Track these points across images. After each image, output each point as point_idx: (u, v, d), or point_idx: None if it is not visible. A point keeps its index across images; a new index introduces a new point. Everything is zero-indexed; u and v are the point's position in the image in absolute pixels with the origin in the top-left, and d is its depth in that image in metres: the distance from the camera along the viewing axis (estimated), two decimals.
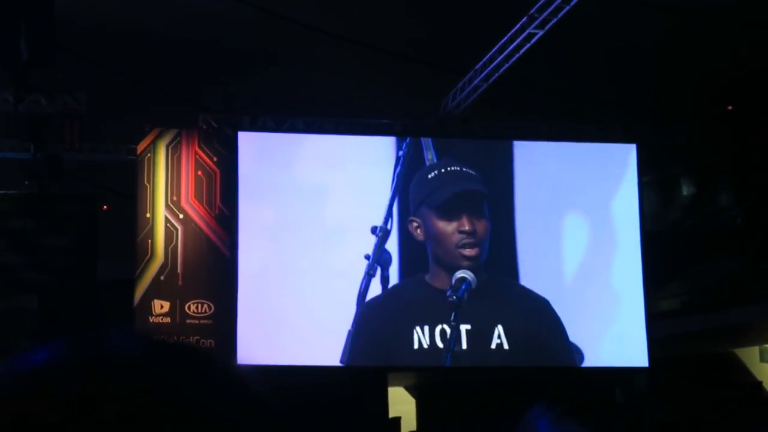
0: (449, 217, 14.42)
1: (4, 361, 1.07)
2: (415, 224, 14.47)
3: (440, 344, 14.52)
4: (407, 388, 18.33)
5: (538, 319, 14.90)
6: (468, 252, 14.37)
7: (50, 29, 11.78)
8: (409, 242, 14.70)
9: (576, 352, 14.98)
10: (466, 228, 14.36)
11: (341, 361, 14.55)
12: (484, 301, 14.65)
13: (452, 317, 14.24)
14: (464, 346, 14.59)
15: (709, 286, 17.61)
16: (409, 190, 14.61)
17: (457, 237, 14.37)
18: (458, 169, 14.56)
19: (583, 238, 15.50)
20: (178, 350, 1.11)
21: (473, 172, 14.66)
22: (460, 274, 14.25)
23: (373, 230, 14.51)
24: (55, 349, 1.06)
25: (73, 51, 13.93)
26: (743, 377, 18.57)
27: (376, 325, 14.59)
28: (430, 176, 14.55)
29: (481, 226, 14.50)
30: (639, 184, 15.79)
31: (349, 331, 14.50)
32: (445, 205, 14.43)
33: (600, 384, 16.03)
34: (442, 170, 14.55)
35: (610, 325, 15.36)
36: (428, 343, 14.58)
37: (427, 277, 14.48)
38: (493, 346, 14.75)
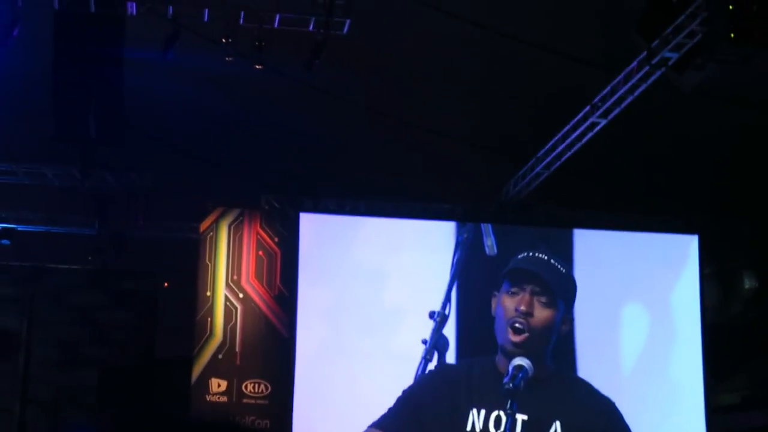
0: (514, 291, 14.33)
1: None
2: (495, 299, 14.42)
3: (493, 430, 14.40)
4: None
5: (599, 420, 14.72)
6: (514, 337, 14.22)
7: (119, 107, 11.98)
8: (471, 329, 14.66)
9: None
10: (522, 308, 14.25)
11: (382, 417, 14.30)
12: (546, 393, 14.51)
13: (509, 405, 14.12)
14: None
15: None
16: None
17: (512, 313, 14.28)
18: (545, 258, 14.46)
19: (643, 329, 15.39)
20: None
21: (562, 269, 14.53)
22: (517, 361, 14.14)
23: (431, 315, 14.47)
24: None
25: (140, 129, 14.12)
26: None
27: (433, 394, 14.48)
28: (520, 256, 14.52)
29: (543, 314, 14.37)
30: (700, 276, 15.69)
31: (399, 397, 14.35)
32: (512, 276, 14.35)
33: None
34: (530, 254, 14.50)
35: (669, 418, 15.19)
36: (481, 427, 14.47)
37: (496, 359, 14.41)
38: None
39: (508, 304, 14.36)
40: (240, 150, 15.59)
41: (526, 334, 14.26)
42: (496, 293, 14.48)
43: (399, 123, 14.86)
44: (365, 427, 14.48)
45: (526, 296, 14.33)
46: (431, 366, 14.37)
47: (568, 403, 14.68)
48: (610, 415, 14.64)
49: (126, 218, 15.60)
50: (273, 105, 14.83)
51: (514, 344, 14.23)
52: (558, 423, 14.61)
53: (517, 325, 14.27)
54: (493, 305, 14.49)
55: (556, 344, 14.61)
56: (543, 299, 14.38)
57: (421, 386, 14.44)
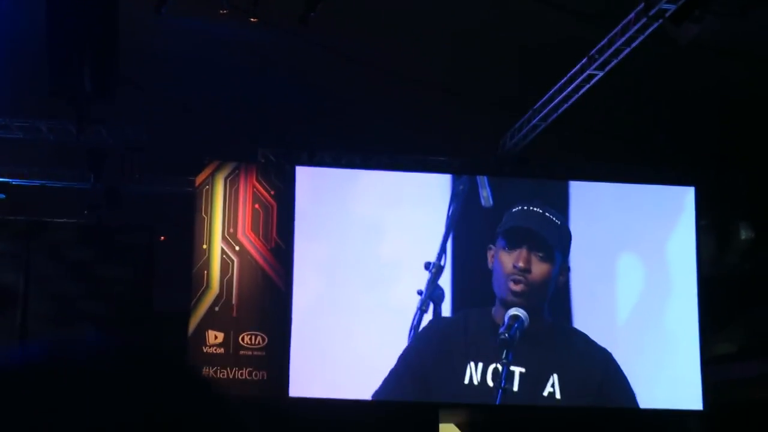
0: (511, 248, 14.45)
1: None
2: (491, 252, 14.53)
3: (491, 383, 14.48)
4: (459, 425, 18.24)
5: (596, 372, 14.81)
6: (514, 287, 14.35)
7: (115, 62, 11.93)
8: (466, 280, 14.72)
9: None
10: (521, 264, 14.37)
11: (384, 382, 14.48)
12: (543, 346, 14.61)
13: (504, 355, 14.20)
14: (516, 388, 14.54)
15: (766, 331, 17.43)
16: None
17: (510, 269, 14.39)
18: (540, 211, 14.57)
19: (638, 280, 15.44)
20: None
21: (557, 221, 14.66)
22: (513, 311, 14.23)
23: (427, 266, 14.54)
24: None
25: (135, 83, 14.07)
26: None
27: (432, 348, 14.58)
28: (515, 210, 14.60)
29: (540, 269, 14.46)
30: (696, 227, 15.72)
31: (399, 358, 14.50)
32: (509, 235, 14.46)
33: (653, 427, 15.89)
34: (525, 207, 14.58)
35: (664, 368, 15.27)
36: (479, 380, 14.55)
37: (492, 310, 14.49)
38: (545, 393, 14.69)
39: (506, 260, 14.42)
40: (236, 104, 15.55)
41: (526, 288, 14.35)
42: (492, 246, 14.53)
43: (396, 77, 14.81)
44: (369, 393, 14.57)
45: (524, 252, 14.40)
46: (427, 317, 14.44)
47: (566, 355, 14.77)
48: (607, 365, 14.74)
49: (121, 172, 15.57)
50: (269, 59, 14.78)
51: (514, 293, 14.31)
52: (555, 376, 14.70)
53: (515, 281, 14.34)
54: (490, 259, 14.54)
55: (553, 296, 14.68)
56: (540, 254, 14.46)
57: (418, 344, 14.52)
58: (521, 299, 14.33)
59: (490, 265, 14.54)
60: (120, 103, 12.86)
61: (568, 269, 14.86)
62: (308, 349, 14.82)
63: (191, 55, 14.67)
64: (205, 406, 1.11)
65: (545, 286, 14.50)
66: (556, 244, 14.56)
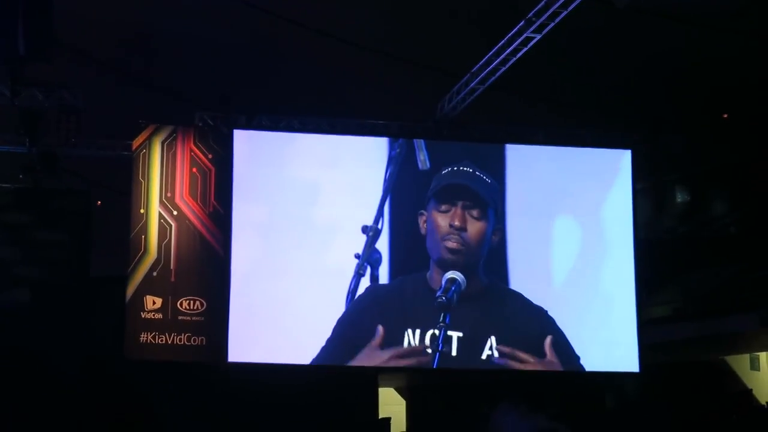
0: (444, 208, 14.45)
1: None
2: (423, 217, 14.53)
3: (429, 348, 14.51)
4: (398, 390, 18.32)
5: (533, 328, 14.88)
6: (450, 244, 14.36)
7: (48, 24, 11.78)
8: (403, 243, 14.72)
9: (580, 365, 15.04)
10: (456, 223, 14.38)
11: (322, 350, 14.51)
12: (479, 309, 14.64)
13: (441, 318, 14.22)
14: (454, 353, 14.59)
15: (701, 293, 17.62)
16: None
17: (445, 229, 14.39)
18: (470, 170, 14.57)
19: (575, 242, 15.52)
20: None
21: (488, 180, 14.67)
22: (450, 274, 14.25)
23: (364, 229, 14.52)
24: None
25: (70, 46, 13.91)
26: (734, 385, 18.58)
27: (370, 316, 14.58)
28: (444, 171, 14.59)
29: (475, 228, 14.49)
30: (633, 191, 15.81)
31: (335, 324, 14.50)
32: (441, 194, 14.45)
33: (591, 389, 16.04)
34: (455, 168, 14.57)
35: (601, 329, 15.37)
36: (417, 345, 14.59)
37: (427, 275, 14.50)
38: (484, 356, 14.75)
39: (440, 221, 14.43)
40: (173, 66, 15.42)
41: (462, 247, 14.37)
42: (423, 212, 14.53)
43: (337, 41, 14.75)
44: (308, 357, 14.56)
45: (458, 211, 14.41)
46: (364, 281, 14.43)
47: (502, 316, 14.82)
48: (542, 320, 14.81)
49: (57, 136, 15.39)
50: (206, 22, 14.66)
51: (450, 251, 14.32)
52: (493, 338, 14.76)
53: (451, 241, 14.36)
54: (422, 224, 14.54)
55: (488, 257, 14.71)
56: (474, 212, 14.48)
57: (354, 312, 14.51)
58: (457, 257, 14.34)
59: (423, 230, 14.52)
60: (55, 66, 12.72)
61: (502, 229, 14.91)
62: (247, 314, 14.78)
63: (128, 17, 14.52)
64: None
65: (480, 245, 14.53)
66: (489, 201, 14.59)
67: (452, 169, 14.58)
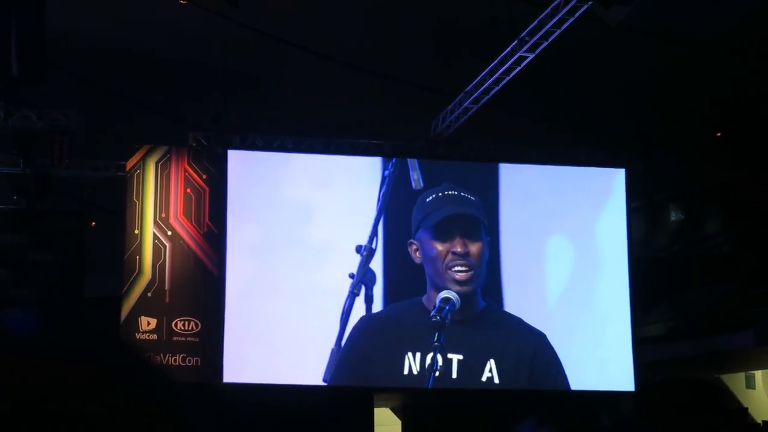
0: (443, 238, 14.43)
1: None
2: (414, 247, 14.50)
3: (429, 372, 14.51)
4: (393, 410, 18.30)
5: (527, 355, 14.86)
6: (458, 275, 14.37)
7: (41, 46, 11.79)
8: (397, 263, 14.72)
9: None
10: (458, 250, 14.36)
11: (324, 379, 14.53)
12: (479, 332, 14.63)
13: (436, 337, 14.21)
14: (454, 375, 14.59)
15: (695, 312, 17.63)
16: (412, 213, 14.59)
17: (449, 258, 14.37)
18: (456, 193, 14.57)
19: (569, 261, 15.53)
20: None
21: (472, 198, 14.67)
22: (444, 294, 14.24)
23: (358, 249, 14.51)
24: None
25: (64, 68, 13.92)
26: (729, 403, 18.58)
27: (368, 346, 14.58)
28: (428, 199, 14.55)
29: (476, 249, 14.49)
30: (627, 209, 15.83)
31: (333, 350, 14.50)
32: (439, 227, 14.43)
33: (585, 408, 16.02)
34: (440, 194, 14.56)
35: (596, 349, 15.37)
36: (418, 369, 14.59)
37: (423, 299, 14.48)
38: (484, 379, 14.75)
39: (440, 248, 14.40)
40: (167, 87, 15.43)
41: (469, 272, 14.38)
42: (412, 241, 14.49)
43: (331, 61, 14.78)
44: (303, 376, 14.55)
45: (458, 239, 14.39)
46: (359, 300, 14.42)
47: (501, 339, 14.81)
48: (537, 348, 14.79)
49: (51, 157, 15.39)
50: (199, 43, 14.69)
51: (458, 282, 14.31)
52: (492, 361, 14.74)
53: (457, 263, 14.34)
54: (413, 253, 14.48)
55: (485, 279, 14.71)
56: (472, 234, 14.47)
57: (354, 342, 14.49)
58: (464, 286, 14.34)
59: (417, 260, 14.47)
60: (49, 86, 12.73)
61: (492, 241, 14.90)
62: (241, 334, 14.77)
63: (121, 39, 14.54)
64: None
65: (482, 263, 14.53)
66: (480, 219, 14.60)
67: (437, 196, 14.55)
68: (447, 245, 14.42)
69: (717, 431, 16.87)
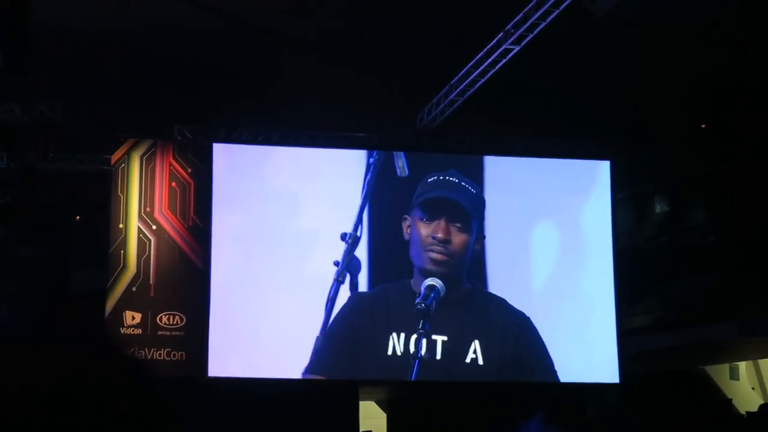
0: (429, 219, 14.45)
1: None
2: (407, 222, 14.53)
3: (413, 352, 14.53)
4: (378, 403, 18.31)
5: (516, 337, 14.88)
6: (434, 255, 14.37)
7: (25, 37, 11.74)
8: (382, 250, 14.73)
9: (554, 373, 15.02)
10: (440, 235, 14.39)
11: (310, 362, 14.48)
12: (464, 313, 14.66)
13: (420, 325, 14.23)
14: (438, 356, 14.59)
15: (681, 303, 17.65)
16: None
17: (429, 240, 14.40)
18: (456, 181, 14.58)
19: (554, 251, 15.55)
20: None
21: (472, 190, 14.69)
22: (429, 281, 14.26)
23: (343, 237, 14.50)
24: None
25: (49, 59, 13.87)
26: (713, 394, 18.63)
27: (354, 323, 14.57)
28: (430, 180, 14.59)
29: (459, 239, 14.49)
30: (612, 201, 15.85)
31: (317, 338, 14.47)
32: (425, 206, 14.44)
33: (571, 399, 16.03)
34: (441, 177, 14.58)
35: (580, 339, 15.39)
36: (402, 350, 14.59)
37: (411, 282, 14.50)
38: (468, 360, 14.76)
39: (423, 231, 14.45)
40: (151, 80, 15.38)
41: (446, 258, 14.39)
42: (407, 217, 14.55)
43: (316, 52, 14.76)
44: (289, 369, 14.54)
45: (442, 224, 14.42)
46: (344, 288, 14.42)
47: (485, 320, 14.84)
48: (521, 331, 14.81)
49: (35, 151, 15.33)
50: (184, 35, 14.64)
51: (434, 262, 14.34)
52: (477, 342, 14.76)
53: (435, 251, 14.37)
54: (405, 229, 14.55)
55: (470, 264, 14.73)
56: (458, 224, 14.49)
57: (341, 320, 14.49)
58: (441, 268, 14.35)
59: (406, 236, 14.55)
60: (33, 79, 12.68)
61: (483, 237, 14.91)
62: (227, 328, 14.75)
63: (105, 31, 14.48)
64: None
65: (463, 255, 14.54)
66: (473, 213, 14.61)
67: (438, 179, 14.59)
68: (431, 227, 14.45)
69: (701, 422, 16.89)
